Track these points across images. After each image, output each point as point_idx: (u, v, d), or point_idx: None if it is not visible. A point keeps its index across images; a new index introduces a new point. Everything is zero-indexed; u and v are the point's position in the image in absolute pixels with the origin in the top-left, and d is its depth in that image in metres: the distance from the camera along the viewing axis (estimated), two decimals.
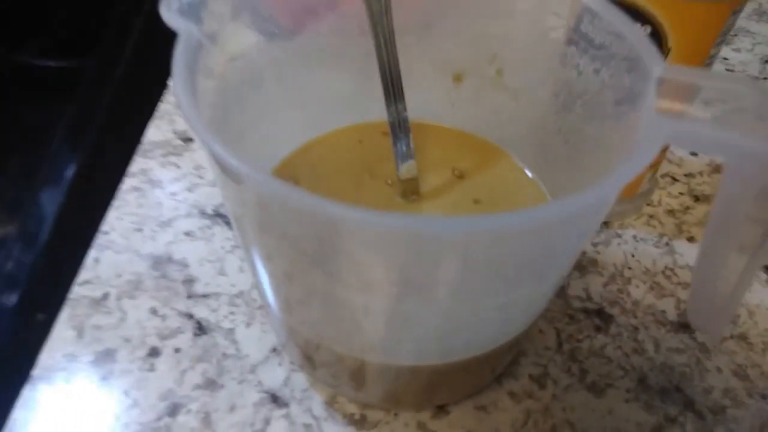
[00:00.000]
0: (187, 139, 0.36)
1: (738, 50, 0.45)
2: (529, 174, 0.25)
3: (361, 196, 0.25)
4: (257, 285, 0.26)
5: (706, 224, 0.19)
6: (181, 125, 0.37)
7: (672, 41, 0.24)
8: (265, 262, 0.20)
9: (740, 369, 0.26)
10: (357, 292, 0.19)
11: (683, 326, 0.28)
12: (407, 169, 0.24)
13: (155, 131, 0.37)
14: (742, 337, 0.28)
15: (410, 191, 0.24)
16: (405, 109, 0.23)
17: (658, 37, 0.24)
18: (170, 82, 0.39)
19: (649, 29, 0.24)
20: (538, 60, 0.23)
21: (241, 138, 0.23)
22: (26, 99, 0.44)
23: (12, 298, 0.29)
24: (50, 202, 0.33)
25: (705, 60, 0.25)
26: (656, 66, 0.17)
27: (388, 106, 0.23)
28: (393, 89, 0.23)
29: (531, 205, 0.24)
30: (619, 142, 0.20)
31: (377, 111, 0.26)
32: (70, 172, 0.35)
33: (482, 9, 0.24)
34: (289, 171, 0.26)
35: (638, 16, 0.24)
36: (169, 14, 0.18)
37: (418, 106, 0.25)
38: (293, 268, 0.20)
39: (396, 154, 0.24)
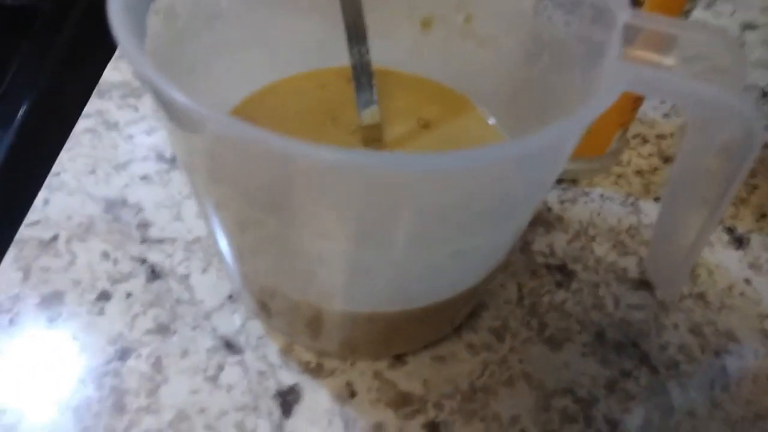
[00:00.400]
0: None
1: (719, 15, 0.45)
2: (496, 126, 0.25)
3: (321, 141, 0.24)
4: (210, 233, 0.25)
5: (667, 181, 0.19)
6: None
7: None
8: (216, 210, 0.19)
9: (696, 327, 0.27)
10: (310, 240, 0.18)
11: (644, 284, 0.28)
12: (369, 114, 0.23)
13: (114, 72, 0.35)
14: (700, 296, 0.28)
15: (372, 139, 0.24)
16: (368, 52, 0.22)
17: None
18: None
19: None
20: (509, 8, 0.22)
21: (191, 77, 0.21)
22: None
23: None
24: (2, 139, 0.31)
25: (678, 17, 0.24)
26: (622, 12, 0.16)
27: (350, 47, 0.22)
28: (356, 29, 0.21)
29: None
30: (585, 94, 0.19)
31: (342, 56, 0.25)
32: (22, 111, 0.33)
33: None
34: (245, 115, 0.24)
35: None
36: None
37: (384, 52, 0.24)
38: (245, 217, 0.19)
39: (357, 99, 0.23)
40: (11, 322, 0.24)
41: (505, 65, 0.23)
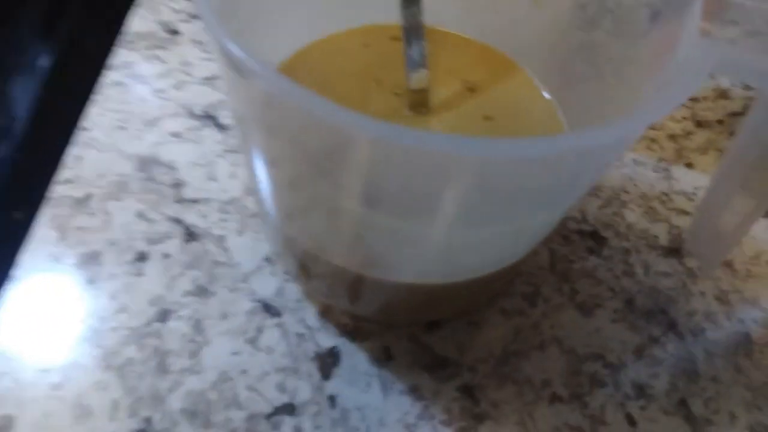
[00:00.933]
0: (173, 32, 0.34)
1: None
2: (545, 93, 0.24)
3: (368, 105, 0.23)
4: (255, 191, 0.25)
5: (721, 157, 0.19)
6: (167, 15, 0.34)
7: None
8: (268, 167, 0.19)
9: (723, 294, 0.27)
10: (363, 207, 0.18)
11: (673, 251, 0.28)
12: (418, 78, 0.22)
13: (139, 21, 0.34)
14: (728, 264, 0.28)
15: (419, 103, 0.23)
16: (421, 12, 0.21)
17: None
18: None
19: None
20: None
21: (241, 34, 0.21)
22: None
23: None
24: (23, 93, 0.31)
25: None
26: None
27: (403, 7, 0.21)
28: None
29: (544, 125, 0.23)
30: (649, 64, 0.18)
31: (385, 13, 0.24)
32: (44, 61, 0.32)
33: None
34: (289, 73, 0.24)
35: None
36: None
37: (430, 10, 0.24)
38: (298, 176, 0.19)
39: (407, 62, 0.22)
40: (50, 282, 0.25)
41: (560, 28, 0.23)
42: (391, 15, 0.23)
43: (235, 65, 0.15)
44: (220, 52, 0.15)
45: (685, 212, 0.30)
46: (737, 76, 0.16)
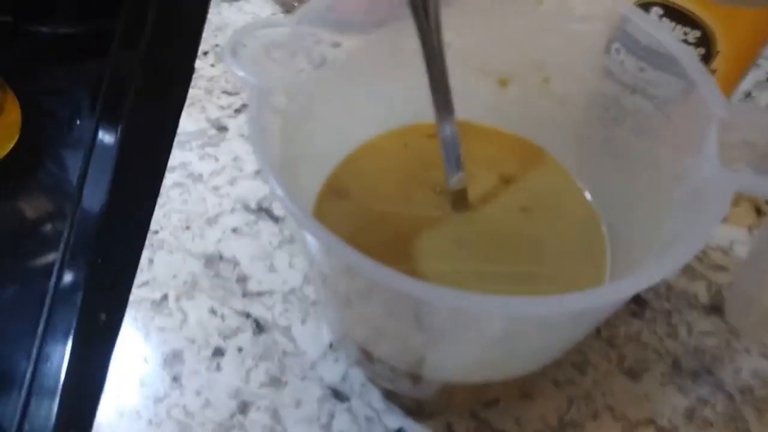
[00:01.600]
0: (222, 128, 0.37)
1: None
2: (577, 180, 0.26)
3: (412, 206, 0.25)
4: (314, 284, 0.27)
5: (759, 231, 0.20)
6: (213, 113, 0.37)
7: (720, 45, 0.24)
8: (328, 282, 0.22)
9: (767, 349, 0.28)
10: (421, 339, 0.20)
11: (714, 309, 0.29)
12: (457, 180, 0.24)
13: (188, 120, 0.37)
14: None
15: (459, 201, 0.25)
16: (455, 123, 0.23)
17: (706, 40, 0.24)
18: (198, 62, 0.39)
19: (698, 33, 0.24)
20: (589, 74, 0.23)
21: (296, 161, 0.23)
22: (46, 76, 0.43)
23: (77, 299, 0.30)
24: (94, 200, 0.34)
25: (751, 63, 0.25)
26: (717, 108, 0.17)
27: (439, 122, 0.23)
28: (444, 105, 0.23)
29: (577, 214, 0.25)
30: (672, 163, 0.20)
31: (417, 113, 0.26)
32: (109, 167, 0.35)
33: (533, 21, 0.24)
34: (340, 182, 0.26)
35: (687, 20, 0.24)
36: (235, 67, 0.18)
37: (463, 104, 0.26)
38: (360, 296, 0.21)
39: (446, 167, 0.24)
40: (142, 382, 0.27)
41: (585, 124, 0.24)
42: (426, 114, 0.25)
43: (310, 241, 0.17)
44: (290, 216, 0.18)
45: (722, 268, 0.31)
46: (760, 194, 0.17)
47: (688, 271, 0.31)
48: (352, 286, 0.21)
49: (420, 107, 0.25)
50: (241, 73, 0.18)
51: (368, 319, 0.23)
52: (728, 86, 0.26)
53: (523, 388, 0.27)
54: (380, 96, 0.27)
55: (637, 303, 0.30)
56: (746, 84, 0.39)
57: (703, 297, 0.30)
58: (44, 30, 0.46)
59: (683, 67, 0.19)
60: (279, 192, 0.16)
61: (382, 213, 0.26)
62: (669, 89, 0.21)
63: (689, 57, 0.19)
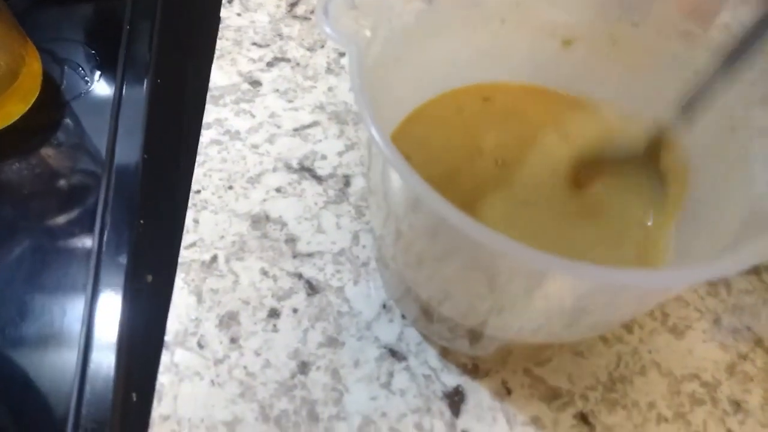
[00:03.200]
0: (255, 83, 0.36)
1: None
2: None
3: (475, 181, 0.25)
4: (380, 241, 0.27)
5: None
6: (245, 66, 0.36)
7: None
8: (402, 240, 0.22)
9: None
10: (490, 300, 0.21)
11: (752, 268, 0.30)
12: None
13: (219, 73, 0.36)
14: None
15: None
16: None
17: None
18: (223, 11, 0.37)
19: None
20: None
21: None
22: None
23: (122, 260, 0.30)
24: (130, 155, 0.33)
25: None
26: None
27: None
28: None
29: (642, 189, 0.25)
30: None
31: (473, 73, 0.26)
32: (140, 117, 0.34)
33: None
34: (401, 146, 0.26)
35: None
36: (327, 27, 0.18)
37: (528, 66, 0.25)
38: (436, 257, 0.21)
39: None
40: (200, 345, 0.27)
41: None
42: (479, 75, 0.24)
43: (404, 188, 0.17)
44: (381, 163, 0.18)
45: None
46: None
47: None
48: (431, 244, 0.21)
49: (474, 67, 0.25)
50: (335, 35, 0.18)
51: (440, 279, 0.23)
52: None
53: (575, 347, 0.28)
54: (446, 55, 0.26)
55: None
56: None
57: None
58: None
59: None
60: (389, 152, 0.16)
61: (441, 179, 0.26)
62: None
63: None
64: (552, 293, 0.20)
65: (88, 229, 0.33)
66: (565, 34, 0.26)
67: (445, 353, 0.27)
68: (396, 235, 0.23)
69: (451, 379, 0.27)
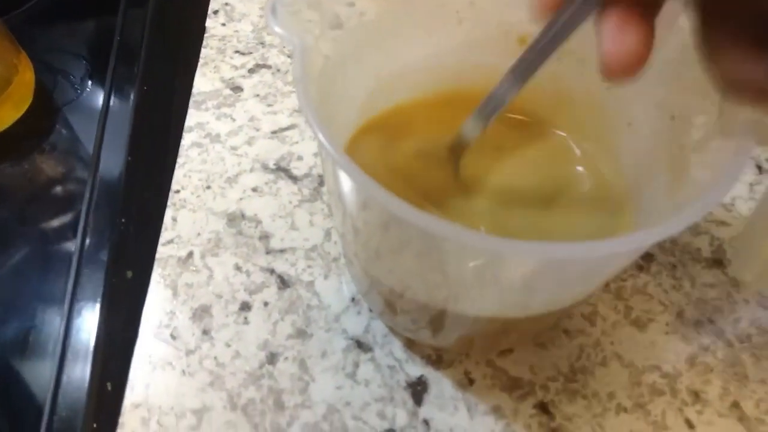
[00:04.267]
0: (236, 88, 0.37)
1: None
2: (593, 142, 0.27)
3: (433, 183, 0.27)
4: (342, 239, 0.28)
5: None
6: (227, 73, 0.38)
7: None
8: (361, 230, 0.23)
9: (765, 300, 0.30)
10: (447, 260, 0.21)
11: (716, 262, 0.31)
12: (472, 130, 0.24)
13: (203, 80, 0.37)
14: None
15: (457, 153, 0.26)
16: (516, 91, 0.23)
17: None
18: (208, 21, 0.39)
19: None
20: None
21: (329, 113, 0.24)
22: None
23: (103, 256, 0.31)
24: (114, 159, 0.34)
25: None
26: None
27: (505, 82, 0.22)
28: (522, 75, 0.22)
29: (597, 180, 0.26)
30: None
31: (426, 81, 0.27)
32: (126, 125, 0.36)
33: None
34: (358, 150, 0.27)
35: None
36: (276, 26, 0.19)
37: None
38: (389, 239, 0.22)
39: (476, 113, 0.24)
40: (172, 336, 0.28)
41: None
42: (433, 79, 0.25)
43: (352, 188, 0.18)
44: (331, 164, 0.18)
45: (724, 223, 0.32)
46: None
47: (691, 226, 0.32)
48: (385, 239, 0.22)
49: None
50: (280, 32, 0.19)
51: (398, 270, 0.24)
52: None
53: (537, 338, 0.28)
54: (399, 59, 0.27)
55: (644, 257, 0.31)
56: None
57: (706, 251, 0.31)
58: None
59: None
60: (334, 152, 0.17)
61: (399, 183, 0.27)
62: None
63: None
64: (499, 273, 0.21)
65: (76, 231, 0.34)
66: (521, 31, 0.27)
67: (410, 344, 0.28)
68: (354, 232, 0.24)
69: (415, 369, 0.28)
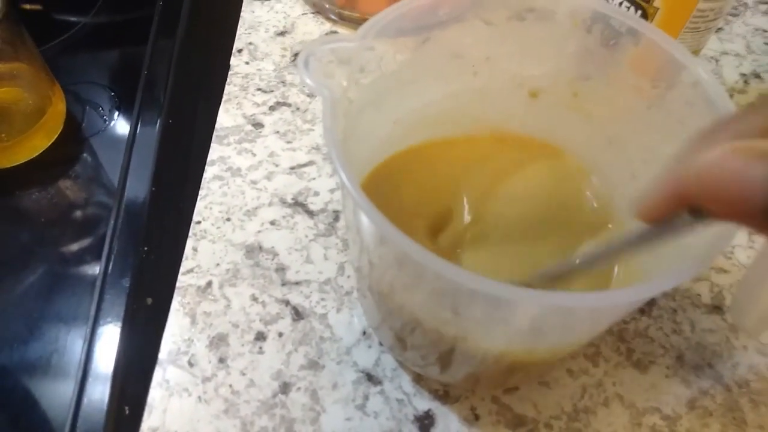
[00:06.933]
0: (258, 125, 0.39)
1: None
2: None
3: (448, 228, 0.28)
4: (358, 273, 0.29)
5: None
6: (249, 110, 0.39)
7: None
8: (375, 271, 0.24)
9: (763, 347, 0.31)
10: (453, 319, 0.23)
11: (716, 308, 0.32)
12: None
13: (225, 116, 0.39)
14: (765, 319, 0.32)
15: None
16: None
17: None
18: (233, 59, 0.41)
19: None
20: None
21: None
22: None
23: (125, 283, 0.32)
24: (139, 190, 0.36)
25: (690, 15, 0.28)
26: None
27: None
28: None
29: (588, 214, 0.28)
30: None
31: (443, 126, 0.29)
32: (150, 157, 0.37)
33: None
34: (375, 189, 0.28)
35: None
36: (307, 78, 0.21)
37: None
38: (405, 285, 0.23)
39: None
40: (190, 362, 0.29)
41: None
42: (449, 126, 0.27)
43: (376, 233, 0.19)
44: (351, 202, 0.20)
45: (724, 270, 0.33)
46: None
47: None
48: (399, 275, 0.23)
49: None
50: (312, 83, 0.21)
51: (408, 308, 0.25)
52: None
53: (542, 377, 0.29)
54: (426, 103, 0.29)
55: (646, 302, 0.32)
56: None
57: (706, 297, 0.32)
58: (75, 19, 0.47)
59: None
60: (355, 194, 0.18)
61: (414, 223, 0.28)
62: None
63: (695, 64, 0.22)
64: (508, 316, 0.22)
65: (98, 256, 0.35)
66: (532, 86, 0.28)
67: (418, 379, 0.29)
68: (369, 267, 0.25)
69: (423, 403, 0.29)
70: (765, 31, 0.46)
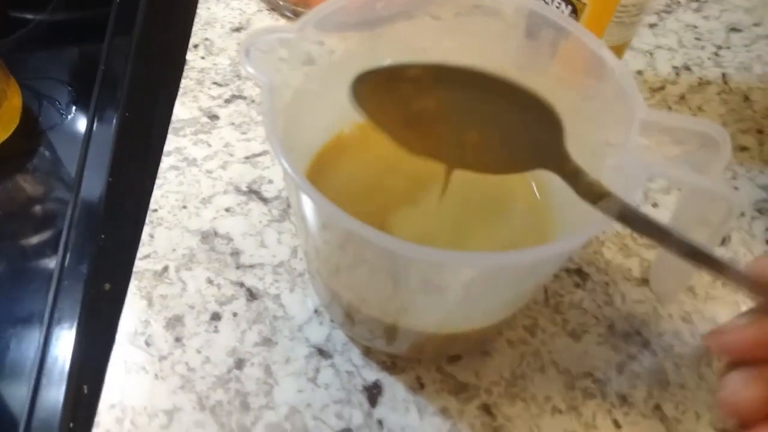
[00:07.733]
0: (213, 117, 0.40)
1: (707, 18, 0.50)
2: None
3: (386, 199, 0.30)
4: (307, 257, 0.30)
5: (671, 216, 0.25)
6: (205, 102, 0.41)
7: None
8: (319, 247, 0.25)
9: (687, 315, 0.33)
10: (394, 293, 0.24)
11: (644, 281, 0.34)
12: None
13: (182, 108, 0.40)
14: (690, 289, 0.34)
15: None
16: None
17: None
18: (189, 54, 0.42)
19: None
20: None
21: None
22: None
23: (83, 269, 0.33)
24: (96, 181, 0.37)
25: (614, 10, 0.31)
26: (639, 111, 0.22)
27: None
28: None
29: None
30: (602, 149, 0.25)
31: None
32: (107, 150, 0.38)
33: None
34: (319, 173, 0.30)
35: None
36: (248, 66, 0.22)
37: None
38: (347, 257, 0.25)
39: None
40: (147, 343, 0.30)
41: None
42: None
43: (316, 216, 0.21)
44: (294, 188, 0.21)
45: (653, 246, 0.36)
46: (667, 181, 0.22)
47: (623, 248, 0.36)
48: (343, 255, 0.25)
49: None
50: (252, 71, 0.22)
51: (355, 285, 0.27)
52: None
53: (482, 347, 0.31)
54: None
55: (580, 276, 0.34)
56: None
57: (636, 271, 0.35)
58: (33, 17, 0.48)
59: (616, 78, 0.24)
60: (297, 178, 0.20)
61: (356, 200, 0.30)
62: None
63: (621, 68, 0.24)
64: (441, 284, 0.24)
65: (57, 249, 0.36)
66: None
67: (367, 352, 0.31)
68: (316, 250, 0.27)
69: (371, 374, 0.30)
70: (695, 27, 0.49)
